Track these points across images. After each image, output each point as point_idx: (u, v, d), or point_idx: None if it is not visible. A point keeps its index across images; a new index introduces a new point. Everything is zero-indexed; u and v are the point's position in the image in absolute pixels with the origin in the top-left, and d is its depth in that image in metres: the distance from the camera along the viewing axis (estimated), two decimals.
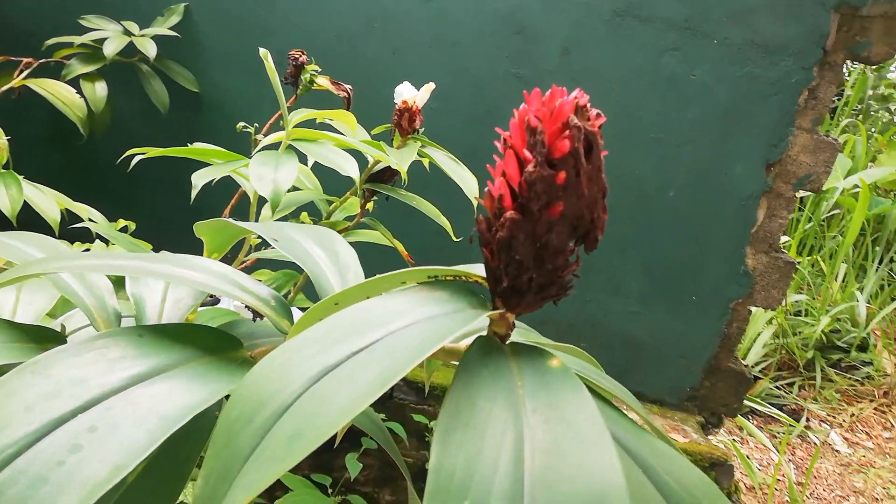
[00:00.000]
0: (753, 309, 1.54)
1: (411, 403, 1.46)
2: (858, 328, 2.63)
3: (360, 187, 0.84)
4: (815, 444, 2.29)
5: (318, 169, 0.91)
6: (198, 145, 0.87)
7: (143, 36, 1.43)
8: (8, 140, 0.96)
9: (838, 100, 3.40)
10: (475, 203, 0.88)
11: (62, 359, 0.29)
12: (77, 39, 1.43)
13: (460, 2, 1.42)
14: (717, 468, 1.46)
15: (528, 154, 0.27)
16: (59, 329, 0.54)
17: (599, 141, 0.28)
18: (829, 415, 2.45)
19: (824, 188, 1.44)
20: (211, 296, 0.71)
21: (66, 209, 0.97)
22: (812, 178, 1.41)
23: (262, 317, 0.40)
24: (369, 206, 0.91)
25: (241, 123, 0.99)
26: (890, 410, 2.50)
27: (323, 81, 1.04)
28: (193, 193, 0.69)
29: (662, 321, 1.57)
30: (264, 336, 0.53)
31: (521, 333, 0.38)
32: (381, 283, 0.30)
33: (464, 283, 0.31)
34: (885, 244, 3.00)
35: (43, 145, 1.68)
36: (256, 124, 0.99)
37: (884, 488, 2.14)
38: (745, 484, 2.03)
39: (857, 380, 2.60)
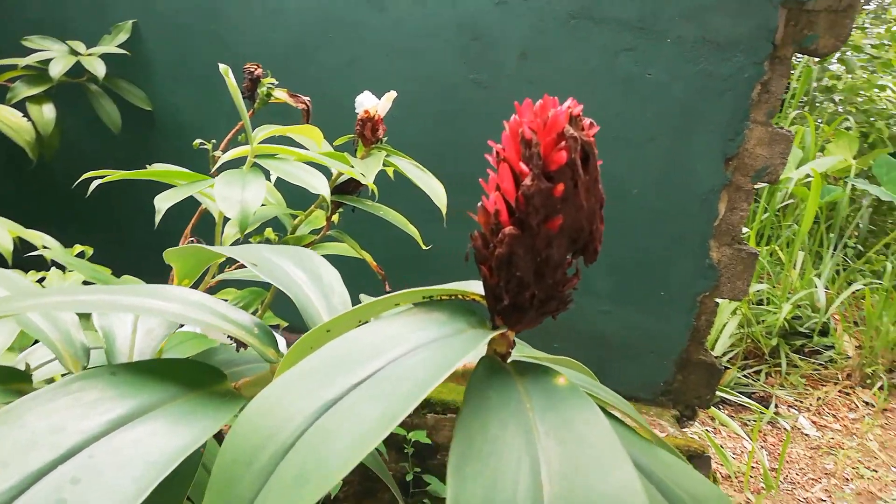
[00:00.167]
0: (720, 301, 1.57)
1: None
2: (819, 313, 2.70)
3: (328, 201, 0.83)
4: (785, 429, 2.34)
5: (281, 183, 0.89)
6: (159, 166, 0.84)
7: (90, 55, 1.38)
8: None
9: (785, 92, 3.50)
10: (444, 211, 0.87)
11: (35, 406, 0.27)
12: (21, 61, 1.37)
13: (416, 10, 1.41)
14: (695, 460, 1.47)
15: (523, 167, 0.26)
16: (23, 368, 0.51)
17: (595, 150, 0.27)
18: (796, 400, 2.51)
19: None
20: None
21: (19, 237, 0.93)
22: (769, 170, 1.44)
23: (245, 346, 0.38)
24: (335, 218, 0.89)
25: (198, 140, 0.96)
26: (854, 392, 2.58)
27: (280, 94, 1.02)
28: (157, 218, 0.66)
29: (633, 318, 1.59)
30: (243, 363, 0.51)
31: (516, 348, 0.37)
32: (374, 307, 0.29)
33: (461, 301, 0.30)
34: (839, 230, 3.10)
35: None
36: (214, 140, 0.97)
37: (853, 468, 2.19)
38: (721, 473, 2.06)
39: (821, 364, 2.67)
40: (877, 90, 3.61)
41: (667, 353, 1.61)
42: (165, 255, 0.45)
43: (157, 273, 0.96)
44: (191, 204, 0.86)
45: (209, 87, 1.50)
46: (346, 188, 0.88)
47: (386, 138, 0.90)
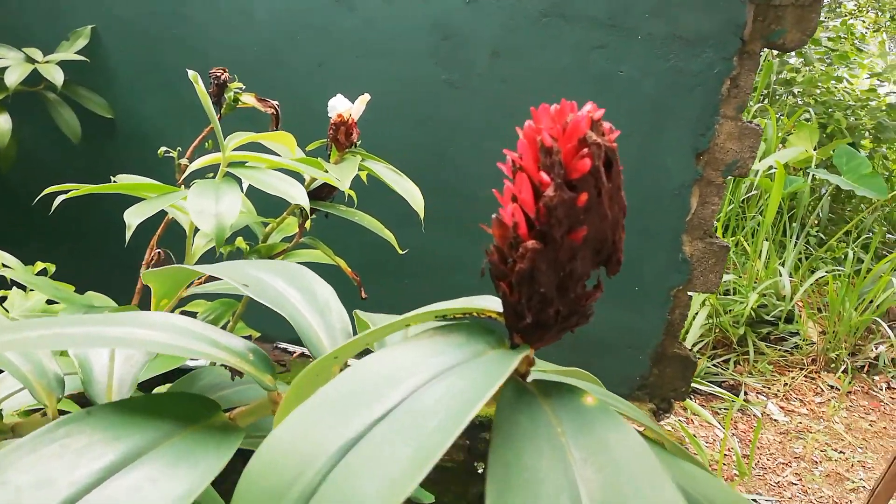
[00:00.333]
0: (692, 294, 1.58)
1: None
2: (784, 301, 2.76)
3: (307, 209, 0.80)
4: (755, 416, 2.39)
5: (251, 189, 0.86)
6: (125, 178, 0.81)
7: (47, 62, 1.32)
8: None
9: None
10: (421, 214, 0.86)
11: (18, 458, 0.24)
12: None
13: (385, 11, 1.39)
14: None
15: (544, 177, 0.25)
16: None
17: (617, 156, 0.25)
18: (764, 386, 2.56)
19: None
20: None
21: None
22: (739, 164, 1.45)
23: (240, 374, 0.36)
24: (307, 224, 0.87)
25: (164, 148, 0.93)
26: (819, 376, 2.64)
27: (248, 99, 0.99)
28: (128, 234, 0.63)
29: (609, 314, 1.59)
30: (228, 387, 0.49)
31: None
32: (385, 331, 0.27)
33: (476, 319, 0.28)
34: (801, 220, 3.17)
35: None
36: (179, 148, 0.93)
37: (821, 451, 2.25)
38: None
39: (787, 350, 2.73)
40: (834, 82, 3.71)
41: (642, 348, 1.62)
42: (144, 276, 0.43)
43: (123, 287, 0.92)
44: (157, 213, 0.82)
45: (173, 94, 1.45)
46: (320, 194, 0.86)
47: (360, 142, 0.88)
